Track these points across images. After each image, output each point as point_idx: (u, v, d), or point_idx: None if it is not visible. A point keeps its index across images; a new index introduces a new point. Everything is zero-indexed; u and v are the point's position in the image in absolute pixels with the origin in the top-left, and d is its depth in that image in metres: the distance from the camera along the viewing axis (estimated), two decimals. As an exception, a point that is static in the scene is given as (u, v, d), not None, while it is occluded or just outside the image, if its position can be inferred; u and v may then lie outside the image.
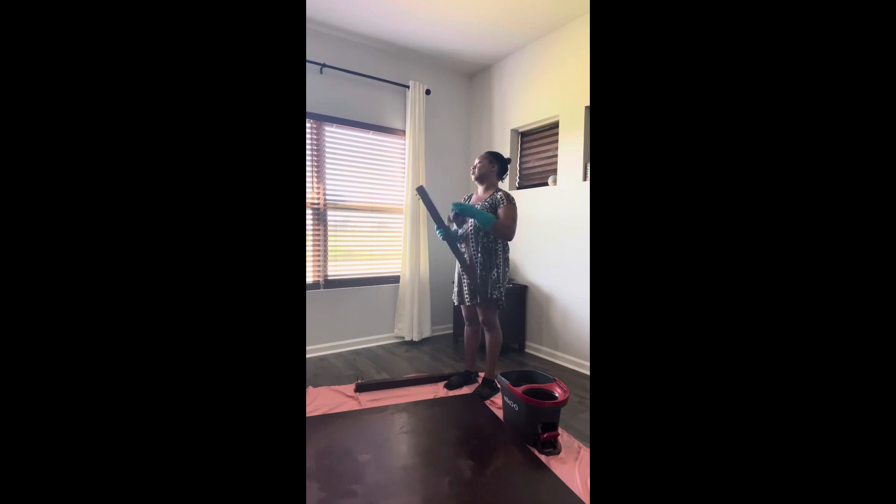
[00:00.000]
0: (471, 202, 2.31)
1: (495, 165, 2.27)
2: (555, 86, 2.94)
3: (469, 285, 2.22)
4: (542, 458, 1.66)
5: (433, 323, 3.63)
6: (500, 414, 2.04)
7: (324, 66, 2.93)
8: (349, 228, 3.22)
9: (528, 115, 3.20)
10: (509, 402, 1.88)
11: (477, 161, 2.27)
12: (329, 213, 3.08)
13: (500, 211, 2.12)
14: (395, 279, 3.44)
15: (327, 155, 3.05)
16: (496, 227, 2.08)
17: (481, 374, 2.43)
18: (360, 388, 2.33)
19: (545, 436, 1.69)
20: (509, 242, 2.27)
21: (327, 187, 3.06)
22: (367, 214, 3.30)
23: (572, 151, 2.80)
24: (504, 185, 3.38)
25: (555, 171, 2.99)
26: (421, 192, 2.14)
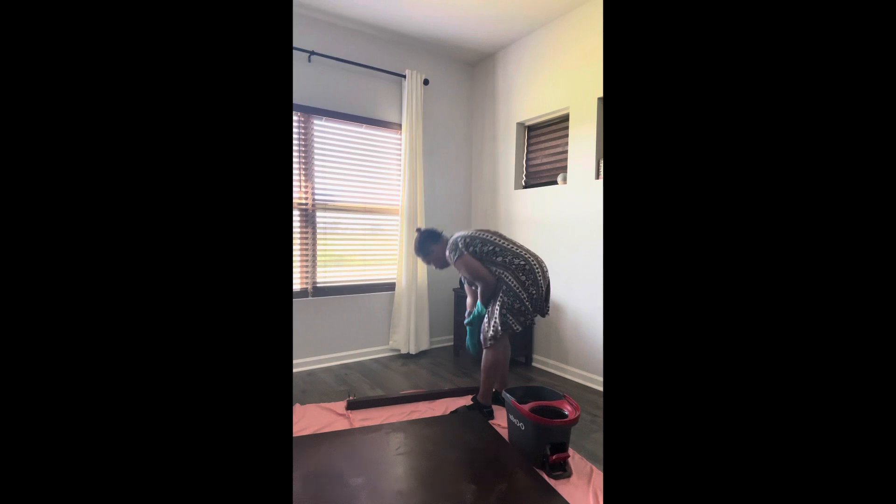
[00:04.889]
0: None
1: (435, 245, 2.32)
2: (564, 75, 2.96)
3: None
4: (551, 481, 1.66)
5: (431, 335, 3.62)
6: (504, 433, 2.03)
7: (312, 53, 2.95)
8: (340, 231, 3.21)
9: (535, 107, 3.21)
10: (515, 420, 1.87)
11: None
12: (318, 214, 3.08)
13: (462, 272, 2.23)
14: (390, 286, 3.43)
15: (316, 151, 3.06)
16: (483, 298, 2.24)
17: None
18: (352, 406, 2.32)
19: (554, 457, 1.69)
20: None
21: (316, 186, 3.06)
22: (360, 216, 3.30)
23: (584, 147, 2.80)
24: (511, 183, 3.39)
25: (564, 169, 3.00)
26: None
